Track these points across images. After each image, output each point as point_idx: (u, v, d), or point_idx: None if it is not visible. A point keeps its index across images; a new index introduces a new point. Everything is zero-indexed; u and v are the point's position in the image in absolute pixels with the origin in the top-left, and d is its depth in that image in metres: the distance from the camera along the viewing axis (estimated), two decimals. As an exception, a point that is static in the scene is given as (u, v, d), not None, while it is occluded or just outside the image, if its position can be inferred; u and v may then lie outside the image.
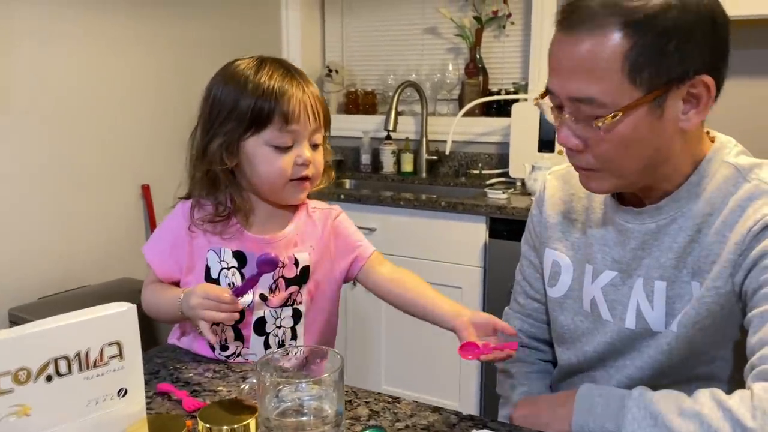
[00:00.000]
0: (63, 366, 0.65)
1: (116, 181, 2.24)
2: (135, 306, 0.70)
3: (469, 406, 2.22)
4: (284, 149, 1.04)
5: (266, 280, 1.07)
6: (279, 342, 1.10)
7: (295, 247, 1.11)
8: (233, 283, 1.07)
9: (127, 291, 2.01)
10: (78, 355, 0.66)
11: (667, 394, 0.77)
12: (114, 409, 0.69)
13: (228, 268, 1.08)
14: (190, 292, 1.00)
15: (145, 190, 2.31)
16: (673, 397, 0.76)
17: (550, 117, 0.86)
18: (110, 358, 0.68)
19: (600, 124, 0.78)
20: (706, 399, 0.73)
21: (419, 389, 2.30)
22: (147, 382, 0.96)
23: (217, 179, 1.06)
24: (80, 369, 0.66)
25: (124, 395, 0.69)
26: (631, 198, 0.93)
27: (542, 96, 0.86)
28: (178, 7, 2.40)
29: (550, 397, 1.00)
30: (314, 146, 1.07)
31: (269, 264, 0.98)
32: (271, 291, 1.09)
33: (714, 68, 0.79)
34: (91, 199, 2.15)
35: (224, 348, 1.09)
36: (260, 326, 1.09)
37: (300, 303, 1.12)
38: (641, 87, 0.76)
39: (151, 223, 2.32)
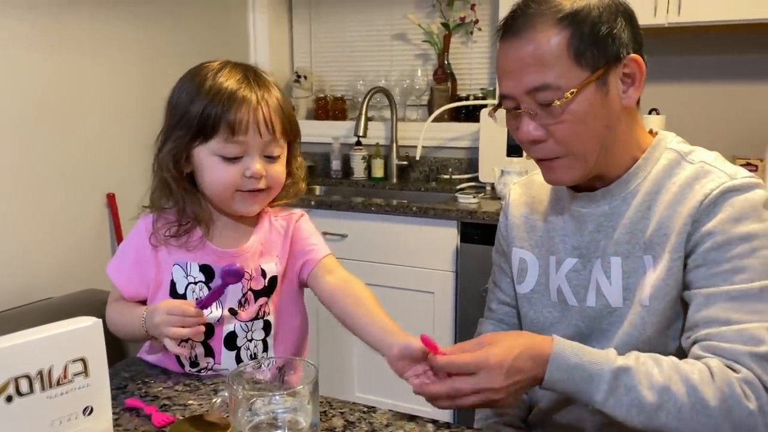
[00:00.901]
0: (24, 385, 0.62)
1: (80, 189, 2.18)
2: (101, 320, 0.68)
3: (444, 413, 2.22)
4: (231, 160, 0.99)
5: (235, 293, 1.05)
6: (251, 355, 1.08)
7: (261, 257, 1.08)
8: (200, 297, 1.04)
9: (93, 303, 1.94)
10: (40, 373, 0.63)
11: (640, 362, 0.82)
12: (80, 428, 0.66)
13: (195, 283, 1.05)
14: (153, 310, 0.98)
15: (111, 198, 2.25)
16: (643, 366, 0.81)
17: (506, 125, 0.94)
18: (75, 375, 0.65)
19: (558, 102, 0.86)
20: (667, 371, 0.80)
21: (394, 396, 2.29)
22: (114, 398, 0.93)
23: (171, 187, 1.02)
24: (42, 388, 0.63)
25: (90, 413, 0.67)
26: (584, 187, 0.99)
27: (495, 109, 0.96)
28: (143, 11, 2.35)
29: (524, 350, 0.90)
30: (270, 158, 1.02)
31: (234, 275, 0.97)
32: (241, 305, 1.06)
33: (638, 48, 0.91)
34: (54, 207, 2.09)
35: (194, 364, 1.06)
36: (231, 341, 1.06)
37: (269, 314, 1.09)
38: (586, 68, 0.87)
39: (117, 233, 2.27)
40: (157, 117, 1.07)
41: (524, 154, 2.33)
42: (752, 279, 0.82)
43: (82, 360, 0.65)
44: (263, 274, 1.08)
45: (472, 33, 2.71)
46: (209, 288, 1.05)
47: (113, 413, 0.87)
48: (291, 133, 1.05)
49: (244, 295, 1.06)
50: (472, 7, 2.66)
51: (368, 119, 2.66)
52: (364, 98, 2.64)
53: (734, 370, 0.78)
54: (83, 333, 0.66)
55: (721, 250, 0.85)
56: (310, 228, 1.15)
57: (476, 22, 2.67)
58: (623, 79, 0.90)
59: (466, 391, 0.79)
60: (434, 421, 0.88)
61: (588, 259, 0.97)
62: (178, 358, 1.06)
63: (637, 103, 0.95)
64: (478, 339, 0.84)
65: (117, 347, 1.72)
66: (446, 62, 2.70)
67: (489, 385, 0.79)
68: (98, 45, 2.21)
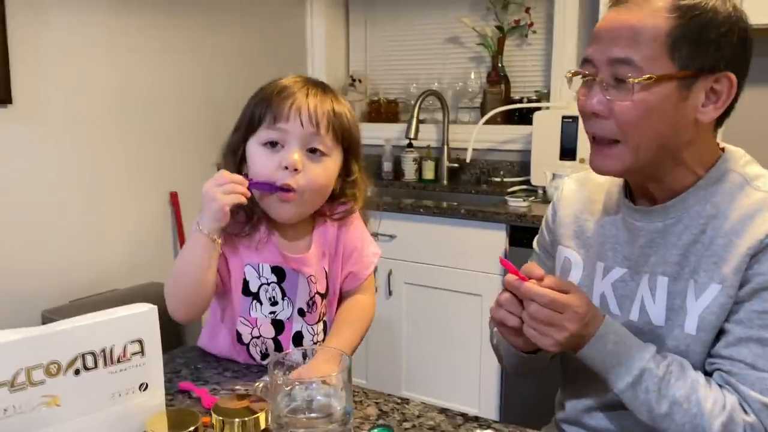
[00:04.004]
0: (90, 361, 0.70)
1: (145, 188, 2.31)
2: (156, 307, 0.75)
3: (490, 411, 2.23)
4: (272, 148, 1.01)
5: (303, 296, 1.10)
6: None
7: (323, 258, 1.12)
8: (274, 297, 1.09)
9: (154, 294, 2.06)
10: (103, 351, 0.71)
11: (668, 369, 0.86)
12: (135, 402, 0.74)
13: (268, 284, 1.09)
14: (203, 195, 0.98)
15: (173, 197, 2.38)
16: (668, 376, 0.85)
17: (577, 91, 0.92)
18: (132, 354, 0.73)
19: (634, 80, 0.83)
20: (687, 389, 0.84)
21: (439, 395, 2.32)
22: (169, 381, 1.02)
23: None
24: (105, 364, 0.71)
25: (145, 389, 0.74)
26: (641, 199, 0.97)
27: (575, 73, 0.92)
28: (205, 17, 2.48)
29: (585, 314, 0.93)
30: (312, 153, 1.01)
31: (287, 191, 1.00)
32: (309, 307, 1.11)
33: (739, 70, 0.87)
34: (121, 205, 2.23)
35: (265, 356, 1.12)
36: (298, 340, 1.11)
37: (326, 314, 1.15)
38: (677, 63, 0.84)
39: (179, 230, 2.40)
40: (220, 118, 1.13)
41: (577, 157, 2.32)
42: None
43: (140, 341, 0.73)
44: (326, 275, 1.12)
45: (526, 36, 2.70)
46: (281, 288, 1.09)
47: (168, 394, 0.95)
48: (343, 139, 1.05)
49: (312, 297, 1.11)
50: (527, 10, 2.66)
51: (420, 122, 2.69)
52: (416, 101, 2.68)
53: (746, 412, 0.83)
54: (141, 317, 0.73)
55: None
56: (358, 235, 1.15)
57: (531, 24, 2.67)
58: (708, 93, 0.86)
59: (542, 317, 0.85)
60: (463, 414, 0.92)
61: (637, 271, 0.95)
62: (249, 351, 1.11)
63: (720, 123, 0.91)
64: (559, 281, 0.88)
65: (175, 336, 1.82)
66: (500, 65, 2.70)
67: (564, 324, 0.84)
68: (165, 50, 2.34)
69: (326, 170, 1.04)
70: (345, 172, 1.09)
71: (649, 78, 0.83)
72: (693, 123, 0.87)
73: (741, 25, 0.86)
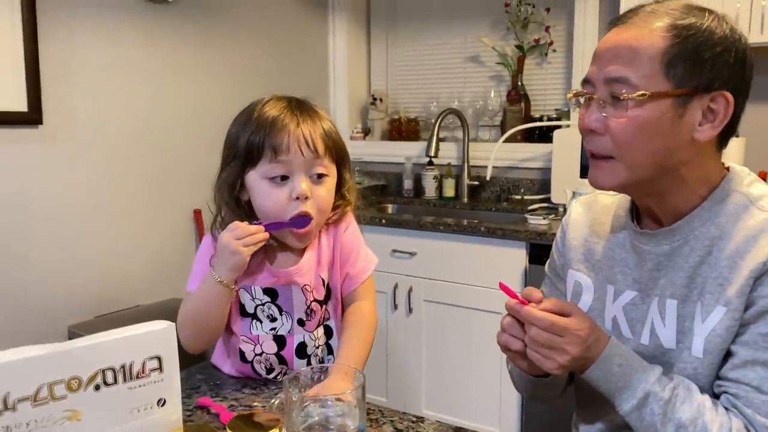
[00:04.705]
0: (110, 376, 0.72)
1: (170, 205, 2.36)
2: (173, 324, 0.77)
3: (510, 429, 2.21)
4: (278, 182, 1.04)
5: (300, 306, 1.12)
6: (319, 360, 1.15)
7: (319, 267, 1.15)
8: (272, 314, 1.12)
9: (176, 310, 2.11)
10: (123, 367, 0.73)
11: (674, 393, 0.85)
12: (154, 417, 0.75)
13: (263, 304, 1.12)
14: (221, 248, 1.02)
15: (197, 214, 2.42)
16: (674, 399, 0.85)
17: (578, 109, 0.94)
18: (151, 370, 0.74)
19: (628, 96, 0.85)
20: (693, 412, 0.84)
21: (459, 414, 2.31)
22: (188, 397, 1.04)
23: (230, 215, 1.09)
24: (125, 379, 0.73)
25: (163, 405, 0.75)
26: (648, 221, 0.97)
27: (575, 94, 0.94)
28: (230, 37, 2.53)
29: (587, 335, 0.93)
30: (317, 177, 1.07)
31: (301, 221, 1.05)
32: (307, 315, 1.13)
33: (736, 90, 0.86)
34: (147, 222, 2.28)
35: (270, 371, 1.14)
36: (302, 350, 1.14)
37: (329, 319, 1.17)
38: (672, 81, 0.84)
39: (202, 246, 2.43)
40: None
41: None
42: None
43: (158, 358, 0.74)
44: (323, 283, 1.15)
45: (546, 54, 2.71)
46: (277, 306, 1.12)
47: (186, 410, 0.96)
48: (337, 155, 1.10)
49: (309, 306, 1.13)
50: (547, 29, 2.67)
51: (440, 140, 2.71)
52: (437, 119, 2.70)
53: None
54: (159, 334, 0.75)
55: None
56: (354, 239, 1.18)
57: (551, 43, 2.68)
58: (705, 113, 0.86)
59: (542, 341, 0.84)
60: (479, 434, 0.92)
61: (647, 294, 0.95)
62: (253, 368, 1.14)
63: (723, 143, 0.91)
64: (560, 303, 0.87)
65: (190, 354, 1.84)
66: (520, 83, 2.71)
67: (564, 348, 0.84)
68: (191, 70, 2.39)
69: (329, 190, 1.10)
70: (339, 182, 1.14)
71: (643, 94, 0.84)
72: (690, 142, 0.87)
73: (738, 46, 0.86)
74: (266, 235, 1.04)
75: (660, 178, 0.90)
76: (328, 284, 1.16)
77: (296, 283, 1.12)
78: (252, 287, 1.12)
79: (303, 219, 1.06)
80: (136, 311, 2.15)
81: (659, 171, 0.89)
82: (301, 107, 1.09)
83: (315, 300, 1.14)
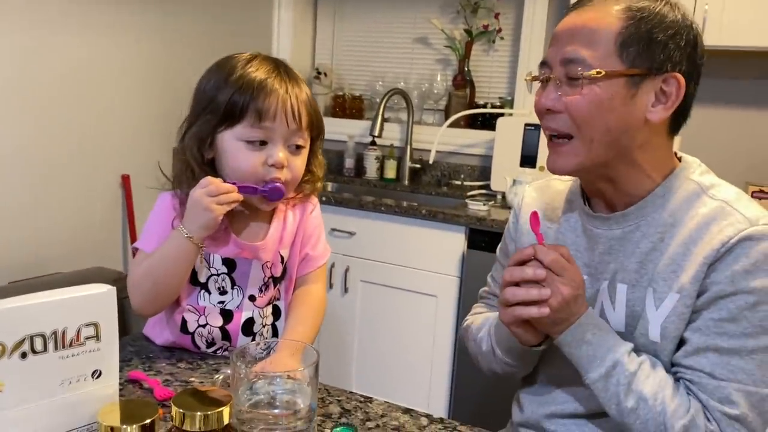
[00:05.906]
0: (39, 344, 0.65)
1: (96, 170, 2.21)
2: (114, 289, 0.70)
3: (439, 410, 2.23)
4: (256, 146, 1.00)
5: (256, 280, 1.07)
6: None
7: (280, 244, 1.10)
8: (223, 287, 1.06)
9: (100, 280, 1.97)
10: (54, 333, 0.65)
11: (641, 367, 0.88)
12: (87, 390, 0.68)
13: (218, 274, 1.06)
14: (192, 204, 0.97)
15: (125, 180, 2.29)
16: (640, 372, 0.87)
17: (534, 93, 0.95)
18: (87, 338, 0.68)
19: (583, 75, 0.87)
20: (655, 387, 0.86)
21: (389, 395, 2.31)
22: (119, 370, 0.96)
23: (194, 171, 1.02)
24: (56, 348, 0.66)
25: (98, 377, 0.69)
26: (600, 207, 0.99)
27: (533, 78, 0.97)
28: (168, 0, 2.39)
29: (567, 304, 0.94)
30: (295, 148, 1.03)
31: (276, 193, 1.01)
32: (260, 291, 1.09)
33: (688, 74, 0.89)
34: (70, 187, 2.13)
35: (210, 345, 1.09)
36: (248, 326, 1.09)
37: (278, 299, 1.12)
38: (626, 61, 0.87)
39: (129, 214, 2.30)
40: (174, 103, 1.08)
41: (537, 165, 2.34)
42: (746, 334, 0.84)
43: (95, 325, 0.68)
44: (282, 260, 1.10)
45: (494, 42, 2.72)
46: (231, 278, 1.06)
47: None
48: (316, 129, 1.07)
49: (265, 282, 1.08)
50: (496, 15, 2.68)
51: (384, 120, 2.68)
52: (382, 99, 2.66)
53: (708, 419, 0.85)
54: (98, 299, 0.68)
55: (726, 299, 0.85)
56: (318, 223, 1.16)
57: (499, 30, 2.69)
58: (657, 94, 0.89)
59: (541, 277, 0.86)
60: (428, 416, 0.90)
61: (596, 278, 0.97)
62: (193, 340, 1.08)
63: (675, 129, 0.94)
64: (566, 250, 0.89)
65: (123, 323, 1.74)
66: (466, 69, 2.72)
67: (560, 288, 0.86)
68: (121, 31, 2.24)
69: (304, 161, 1.07)
70: (309, 156, 1.10)
71: (598, 72, 0.86)
72: (644, 122, 0.89)
73: (690, 31, 0.89)
74: (240, 196, 0.99)
75: (615, 161, 0.91)
76: (286, 263, 1.11)
77: (259, 259, 1.07)
78: (211, 255, 1.05)
79: (277, 192, 1.01)
80: (55, 278, 2.01)
81: (615, 152, 0.90)
82: (288, 73, 1.04)
83: (272, 277, 1.09)
